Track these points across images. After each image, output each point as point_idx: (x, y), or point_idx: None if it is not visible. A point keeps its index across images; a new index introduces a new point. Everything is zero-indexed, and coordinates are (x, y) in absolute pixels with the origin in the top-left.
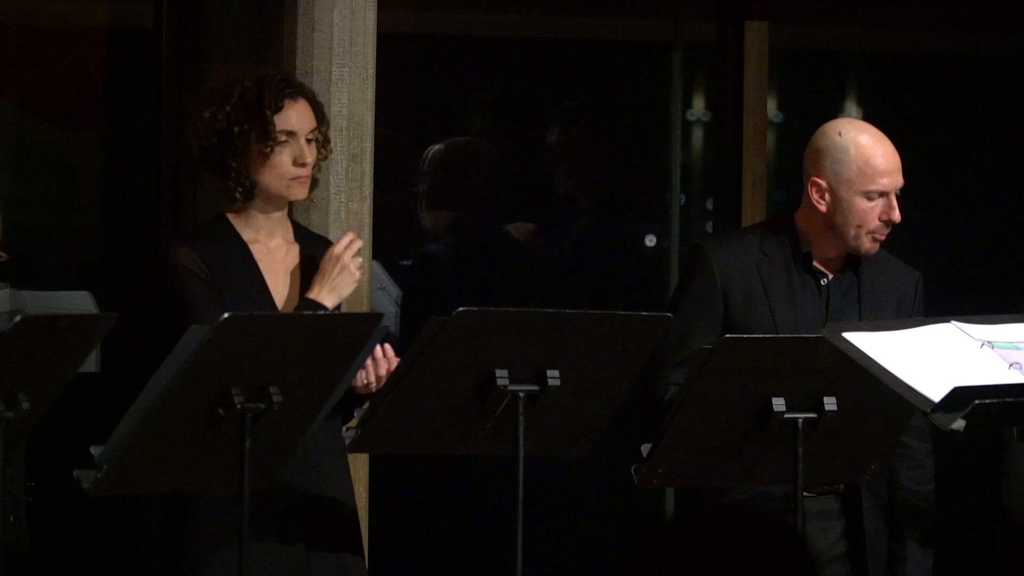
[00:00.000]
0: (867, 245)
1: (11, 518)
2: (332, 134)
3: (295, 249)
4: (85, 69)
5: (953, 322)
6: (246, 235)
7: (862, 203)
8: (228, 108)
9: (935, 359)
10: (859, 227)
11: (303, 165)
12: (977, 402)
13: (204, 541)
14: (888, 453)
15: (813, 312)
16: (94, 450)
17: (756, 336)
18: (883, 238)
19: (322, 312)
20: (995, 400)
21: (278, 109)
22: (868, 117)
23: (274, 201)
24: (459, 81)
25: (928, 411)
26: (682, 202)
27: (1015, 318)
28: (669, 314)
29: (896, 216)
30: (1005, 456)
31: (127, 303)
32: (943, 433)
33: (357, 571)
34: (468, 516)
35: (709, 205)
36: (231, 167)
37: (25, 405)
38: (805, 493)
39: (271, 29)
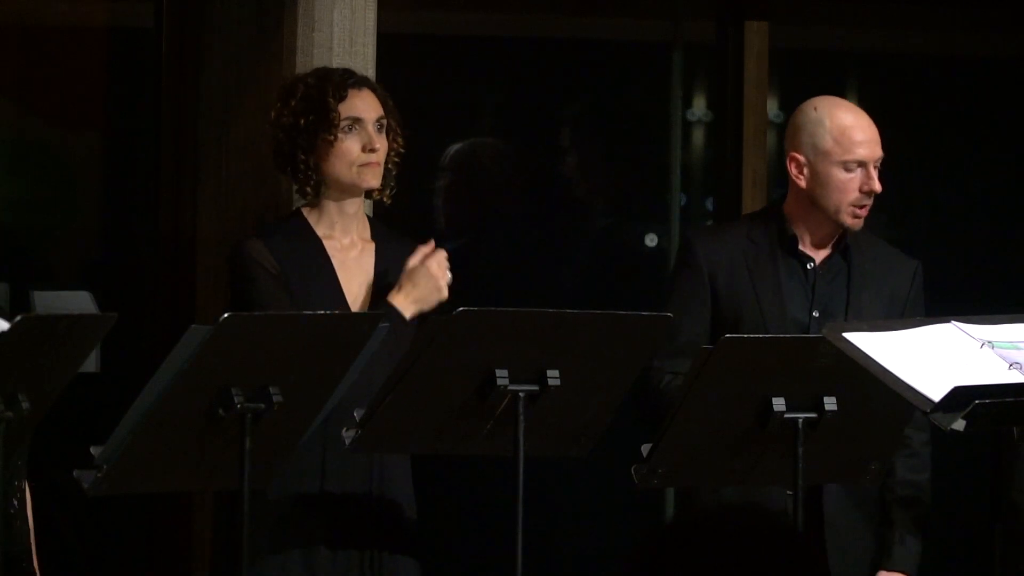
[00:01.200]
0: (849, 219)
1: (13, 514)
2: None
3: (371, 247)
4: (85, 69)
5: (953, 322)
6: (320, 231)
7: (840, 174)
8: (293, 103)
9: (935, 359)
10: (839, 200)
11: (372, 151)
12: (977, 402)
13: (263, 540)
14: (889, 453)
15: (799, 297)
16: (94, 450)
17: (756, 336)
18: (865, 212)
19: (322, 312)
20: (995, 400)
21: (342, 98)
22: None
23: (347, 192)
24: (459, 81)
25: (928, 411)
26: (682, 202)
27: (1015, 318)
28: (669, 314)
29: (876, 186)
30: (1016, 454)
31: (127, 303)
32: (943, 433)
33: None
34: (468, 516)
35: (709, 205)
36: (300, 161)
37: (25, 405)
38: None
39: (271, 29)
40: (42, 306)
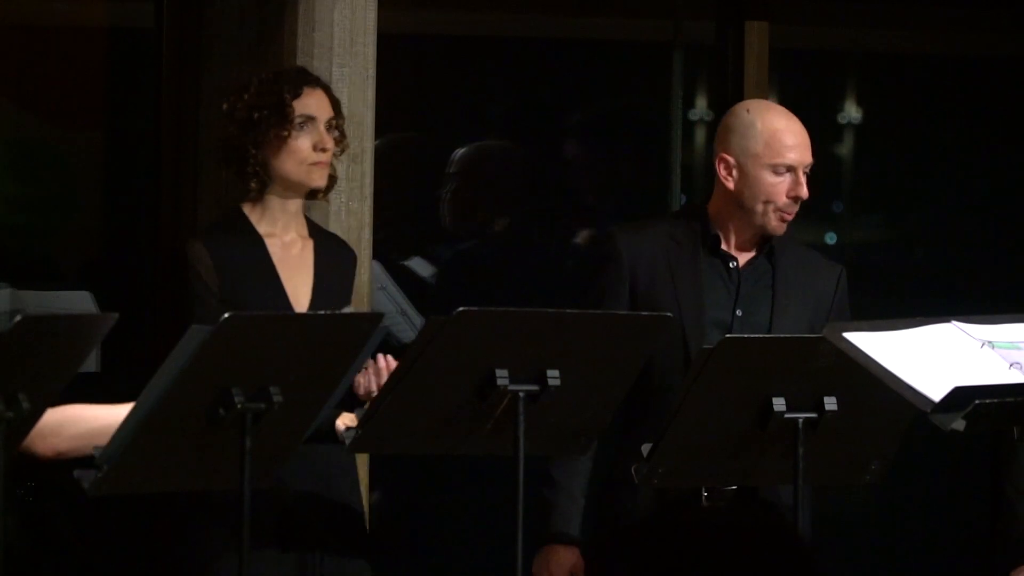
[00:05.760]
0: (774, 223)
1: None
2: None
3: (310, 244)
4: (85, 69)
5: (953, 322)
6: (262, 228)
7: (769, 177)
8: (247, 96)
9: (935, 359)
10: (766, 203)
11: (323, 150)
12: (977, 402)
13: (208, 546)
14: (889, 453)
15: (721, 296)
16: (94, 450)
17: (757, 336)
18: (791, 217)
19: (322, 312)
20: (995, 400)
21: (297, 95)
22: (868, 117)
23: (292, 189)
24: (458, 81)
25: (928, 411)
26: (682, 202)
27: (1015, 318)
28: (669, 314)
29: (803, 193)
30: (1015, 453)
31: (127, 303)
32: (943, 433)
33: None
34: (468, 516)
35: None
36: (250, 154)
37: (25, 405)
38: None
39: (271, 29)
40: (35, 305)
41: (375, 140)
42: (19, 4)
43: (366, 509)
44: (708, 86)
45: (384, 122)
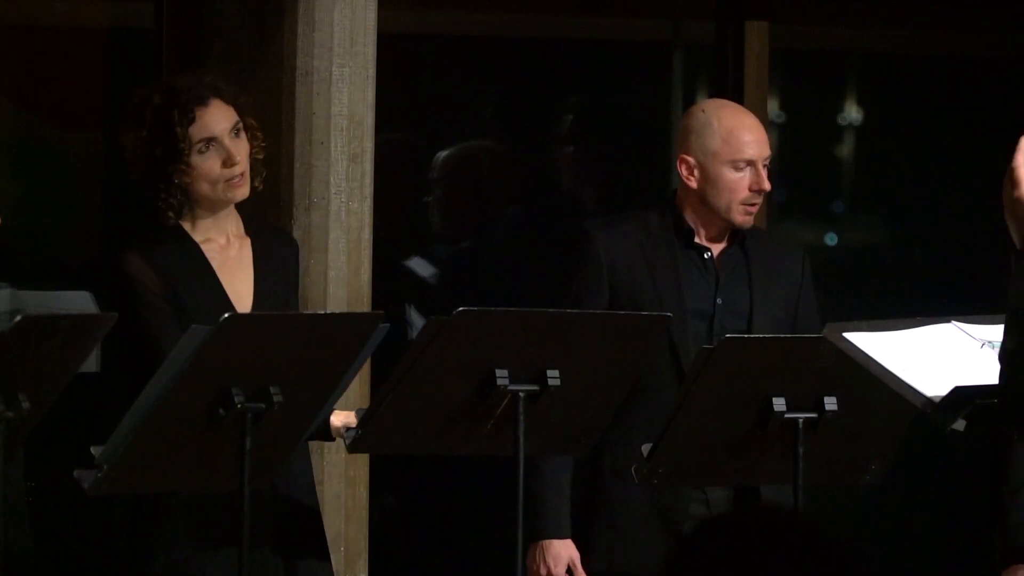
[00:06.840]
0: (740, 217)
1: (21, 513)
2: (332, 134)
3: (247, 243)
4: (85, 69)
5: (953, 322)
6: (197, 236)
7: (730, 174)
8: (144, 133)
9: (935, 359)
10: (730, 199)
11: (233, 165)
12: (977, 402)
13: (172, 546)
14: (889, 453)
15: (701, 287)
16: (94, 450)
17: (756, 336)
18: (755, 209)
19: (322, 312)
20: (996, 400)
21: (190, 121)
22: (868, 117)
23: (216, 205)
24: (459, 81)
25: (928, 411)
26: None
27: None
28: (669, 314)
29: (765, 185)
30: (1011, 453)
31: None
32: (943, 433)
33: (324, 573)
34: (468, 516)
35: None
36: (159, 189)
37: (25, 405)
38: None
39: (271, 29)
40: (35, 305)
41: (375, 140)
42: (19, 4)
43: (366, 509)
44: (708, 86)
45: (384, 122)
